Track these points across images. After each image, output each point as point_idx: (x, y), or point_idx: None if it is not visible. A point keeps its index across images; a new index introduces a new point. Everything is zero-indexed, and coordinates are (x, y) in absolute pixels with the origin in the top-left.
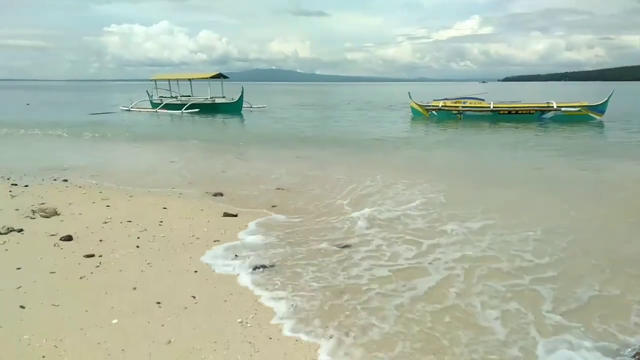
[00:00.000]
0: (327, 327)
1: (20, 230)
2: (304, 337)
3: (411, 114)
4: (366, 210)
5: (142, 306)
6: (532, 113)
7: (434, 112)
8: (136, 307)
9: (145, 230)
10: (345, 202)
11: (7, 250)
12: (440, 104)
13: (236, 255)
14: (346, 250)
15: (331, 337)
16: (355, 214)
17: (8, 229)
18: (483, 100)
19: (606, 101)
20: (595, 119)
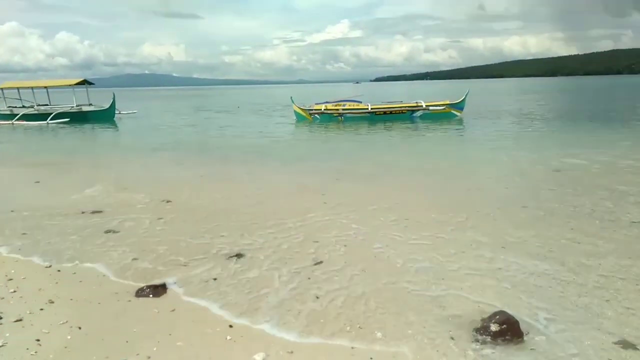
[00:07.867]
0: None
1: None
2: None
3: (295, 118)
4: None
5: None
6: (404, 112)
7: (316, 115)
8: None
9: None
10: None
11: None
12: (323, 107)
13: None
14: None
15: None
16: None
17: None
18: (360, 102)
19: (464, 99)
20: (456, 115)
